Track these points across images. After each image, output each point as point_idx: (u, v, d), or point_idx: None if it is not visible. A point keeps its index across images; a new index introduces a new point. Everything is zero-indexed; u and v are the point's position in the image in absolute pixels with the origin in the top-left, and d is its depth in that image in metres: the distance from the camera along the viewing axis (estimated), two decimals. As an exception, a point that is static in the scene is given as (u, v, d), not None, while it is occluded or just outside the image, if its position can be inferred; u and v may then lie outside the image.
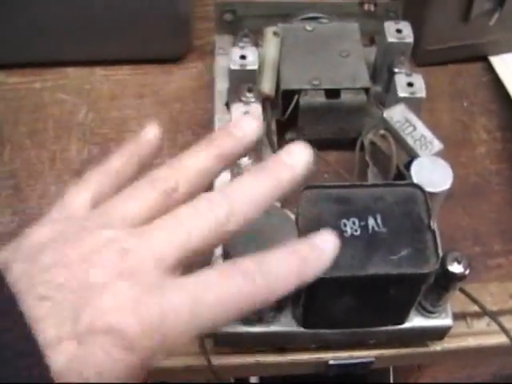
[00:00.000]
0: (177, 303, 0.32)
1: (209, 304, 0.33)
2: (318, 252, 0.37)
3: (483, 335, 0.60)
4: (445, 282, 0.51)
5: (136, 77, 0.73)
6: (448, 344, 0.59)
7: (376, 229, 0.47)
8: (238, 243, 0.46)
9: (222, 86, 0.65)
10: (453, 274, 0.50)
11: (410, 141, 0.55)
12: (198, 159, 0.40)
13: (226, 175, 0.58)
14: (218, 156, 0.39)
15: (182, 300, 0.33)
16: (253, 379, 1.09)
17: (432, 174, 0.52)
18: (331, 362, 0.58)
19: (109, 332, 0.31)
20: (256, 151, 0.58)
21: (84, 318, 0.31)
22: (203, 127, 0.68)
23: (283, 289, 0.36)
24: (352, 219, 0.47)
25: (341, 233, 0.47)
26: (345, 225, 0.47)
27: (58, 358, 0.30)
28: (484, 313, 0.57)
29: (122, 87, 0.72)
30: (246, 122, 0.41)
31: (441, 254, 0.53)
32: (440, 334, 0.56)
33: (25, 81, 0.72)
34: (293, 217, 0.49)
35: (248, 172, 0.39)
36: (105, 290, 0.32)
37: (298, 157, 0.40)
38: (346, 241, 0.46)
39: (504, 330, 0.55)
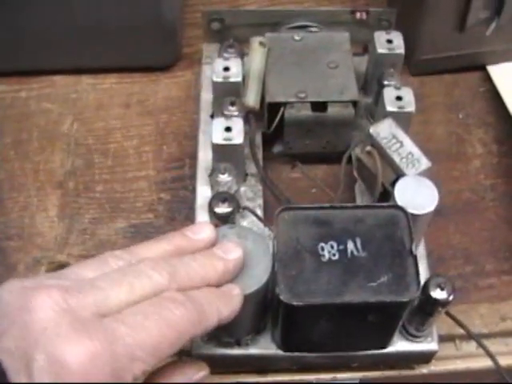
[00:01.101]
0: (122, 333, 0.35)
1: (150, 333, 0.36)
2: (228, 298, 0.42)
3: (472, 358, 0.58)
4: (428, 307, 0.49)
5: (123, 85, 0.71)
6: (435, 367, 0.57)
7: (355, 253, 0.45)
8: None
9: (207, 96, 0.64)
10: (435, 300, 0.48)
11: (396, 158, 0.53)
12: (150, 251, 0.43)
13: (207, 190, 0.57)
14: (169, 251, 0.43)
15: (127, 330, 0.36)
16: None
17: (416, 194, 0.50)
18: (314, 384, 0.57)
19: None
20: (238, 166, 0.56)
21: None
22: (189, 139, 0.67)
23: (211, 320, 0.41)
24: (330, 243, 0.46)
25: (318, 257, 0.45)
26: (322, 249, 0.45)
27: None
28: (470, 337, 0.55)
29: (109, 96, 0.70)
30: (201, 228, 0.45)
31: (426, 276, 0.52)
32: (426, 358, 0.54)
33: (10, 89, 0.71)
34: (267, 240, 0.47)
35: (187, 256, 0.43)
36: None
37: (230, 254, 0.44)
38: (323, 266, 0.45)
39: (490, 355, 0.53)
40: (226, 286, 0.43)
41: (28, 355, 0.34)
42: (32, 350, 0.34)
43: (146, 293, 0.38)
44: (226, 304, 0.42)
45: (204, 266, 0.42)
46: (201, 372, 0.45)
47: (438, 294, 0.48)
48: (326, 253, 0.45)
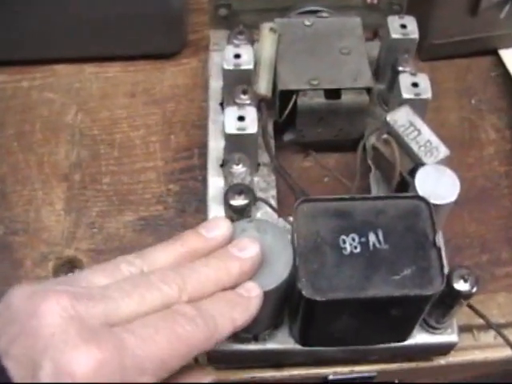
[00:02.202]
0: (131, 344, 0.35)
1: (160, 346, 0.36)
2: (245, 301, 0.41)
3: (490, 348, 0.57)
4: (450, 299, 0.48)
5: (128, 74, 0.69)
6: (453, 358, 0.56)
7: (377, 245, 0.44)
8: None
9: (216, 84, 0.62)
10: (459, 292, 0.47)
11: (414, 146, 0.52)
12: (163, 255, 0.41)
13: (218, 181, 0.56)
14: (183, 253, 0.42)
15: (137, 341, 0.35)
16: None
17: (437, 184, 0.49)
18: (331, 378, 0.56)
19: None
20: (251, 156, 0.55)
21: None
22: (198, 128, 0.65)
23: (224, 332, 0.40)
24: (351, 235, 0.44)
25: (339, 250, 0.44)
26: (344, 241, 0.44)
27: None
28: (489, 327, 0.54)
29: (113, 86, 0.69)
30: (216, 224, 0.43)
31: (446, 269, 0.51)
32: (445, 350, 0.54)
33: (12, 79, 0.69)
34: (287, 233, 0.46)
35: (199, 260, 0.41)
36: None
37: (247, 252, 0.42)
38: (344, 259, 0.43)
39: (509, 345, 0.52)
40: (245, 286, 0.42)
41: (35, 362, 0.33)
42: (39, 357, 0.33)
43: (156, 305, 0.37)
44: (242, 311, 0.41)
45: (217, 271, 0.41)
46: (208, 377, 0.43)
47: (461, 285, 0.47)
48: (347, 246, 0.44)
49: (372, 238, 0.44)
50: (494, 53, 0.70)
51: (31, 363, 0.33)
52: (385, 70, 0.61)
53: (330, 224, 0.45)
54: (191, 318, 0.37)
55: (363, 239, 0.44)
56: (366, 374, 0.56)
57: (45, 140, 0.65)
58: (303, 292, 0.42)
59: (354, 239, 0.44)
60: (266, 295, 0.42)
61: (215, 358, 0.52)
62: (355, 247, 0.44)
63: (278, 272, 0.43)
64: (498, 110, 0.68)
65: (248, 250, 0.42)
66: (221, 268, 0.41)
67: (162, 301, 0.38)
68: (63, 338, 0.33)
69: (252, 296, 0.41)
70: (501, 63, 0.69)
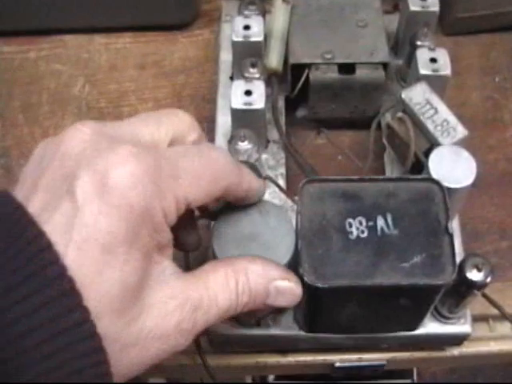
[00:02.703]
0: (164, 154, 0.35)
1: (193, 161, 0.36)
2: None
3: (506, 339, 0.54)
4: (463, 289, 0.45)
5: (138, 45, 0.67)
6: (467, 348, 0.53)
7: (386, 230, 0.42)
8: (232, 245, 0.42)
9: (227, 57, 0.59)
10: (472, 282, 0.44)
11: (430, 126, 0.49)
12: None
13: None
14: None
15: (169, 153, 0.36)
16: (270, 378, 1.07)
17: (453, 166, 0.46)
18: (338, 365, 0.53)
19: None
20: (259, 132, 0.53)
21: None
22: (208, 102, 0.63)
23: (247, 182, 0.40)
24: (359, 218, 0.42)
25: (345, 234, 0.41)
26: (350, 225, 0.42)
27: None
28: (505, 317, 0.51)
29: (122, 57, 0.66)
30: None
31: (461, 253, 0.49)
32: (458, 340, 0.51)
33: (19, 50, 0.67)
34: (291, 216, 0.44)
35: None
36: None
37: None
38: (350, 244, 0.41)
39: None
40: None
41: (69, 178, 0.31)
42: (73, 170, 0.32)
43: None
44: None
45: None
46: None
47: (474, 275, 0.44)
48: (353, 229, 0.41)
49: (380, 222, 0.42)
50: (521, 28, 0.67)
51: (65, 181, 0.31)
52: (403, 45, 0.58)
53: (336, 206, 0.42)
54: (219, 151, 0.38)
55: (371, 223, 0.42)
56: (376, 363, 0.54)
57: (51, 112, 0.64)
58: (305, 278, 0.40)
59: (361, 223, 0.42)
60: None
61: (218, 343, 0.51)
62: (362, 231, 0.41)
63: (280, 255, 0.41)
64: (524, 89, 0.64)
65: None
66: None
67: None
68: (96, 148, 0.32)
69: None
70: (527, 39, 0.66)
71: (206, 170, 0.36)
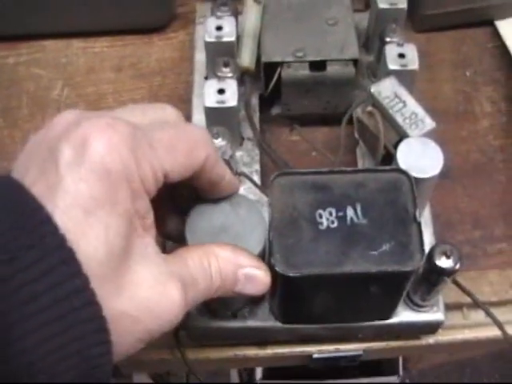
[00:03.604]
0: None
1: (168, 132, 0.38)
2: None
3: (480, 327, 0.55)
4: (433, 276, 0.46)
5: (115, 49, 0.68)
6: (442, 337, 0.54)
7: (355, 220, 0.43)
8: (204, 236, 0.43)
9: (201, 57, 0.60)
10: (441, 268, 0.45)
11: (398, 119, 0.50)
12: None
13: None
14: None
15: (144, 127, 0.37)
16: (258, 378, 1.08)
17: (421, 157, 0.47)
18: (315, 356, 0.54)
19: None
20: (233, 129, 0.54)
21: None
22: (184, 102, 0.63)
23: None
24: (329, 209, 0.43)
25: (315, 225, 0.42)
26: (320, 216, 0.43)
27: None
28: (476, 304, 0.52)
29: (100, 60, 0.67)
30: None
31: (432, 243, 0.50)
32: (432, 328, 0.52)
33: (-2, 55, 0.68)
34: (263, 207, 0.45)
35: None
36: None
37: None
38: (321, 234, 0.42)
39: (498, 324, 0.50)
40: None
41: (53, 150, 0.33)
42: (57, 143, 0.33)
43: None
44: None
45: None
46: None
47: (443, 262, 0.45)
48: (324, 220, 0.42)
49: (350, 212, 0.43)
50: (490, 24, 0.68)
51: (49, 156, 0.33)
52: (373, 42, 0.59)
53: (306, 198, 0.43)
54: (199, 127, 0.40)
55: (340, 213, 0.43)
56: (352, 353, 0.55)
57: (31, 115, 0.65)
58: (276, 268, 0.41)
59: (331, 213, 0.43)
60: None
61: (195, 336, 0.52)
62: (332, 222, 0.42)
63: (252, 246, 0.42)
64: (494, 82, 0.66)
65: None
66: None
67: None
68: (76, 122, 0.34)
69: None
70: (497, 34, 0.67)
71: (181, 139, 0.37)
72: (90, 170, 0.32)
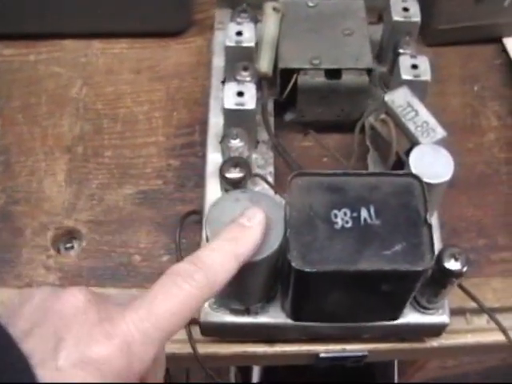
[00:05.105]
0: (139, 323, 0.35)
1: (164, 316, 0.36)
2: (247, 231, 0.41)
3: (483, 332, 0.57)
4: (441, 278, 0.48)
5: (134, 51, 0.70)
6: (445, 340, 0.56)
7: (369, 221, 0.44)
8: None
9: (219, 62, 0.63)
10: (449, 271, 0.47)
11: (411, 127, 0.52)
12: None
13: (217, 157, 0.56)
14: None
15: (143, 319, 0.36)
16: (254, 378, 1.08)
17: (432, 163, 0.49)
18: (322, 355, 0.56)
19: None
20: (250, 132, 0.55)
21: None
22: (200, 105, 0.65)
23: (224, 275, 0.39)
24: (343, 210, 0.45)
25: (331, 224, 0.44)
26: (335, 216, 0.44)
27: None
28: (482, 310, 0.54)
29: (119, 61, 0.69)
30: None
31: (440, 247, 0.51)
32: (436, 330, 0.54)
33: (19, 53, 0.70)
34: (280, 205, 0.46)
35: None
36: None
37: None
38: (336, 233, 0.44)
39: (502, 329, 0.52)
40: (246, 213, 0.42)
41: (57, 337, 0.34)
42: (62, 332, 0.35)
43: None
44: (246, 243, 0.41)
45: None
46: None
47: (452, 264, 0.47)
48: (339, 220, 0.44)
49: (364, 213, 0.45)
50: (498, 40, 0.70)
51: (51, 337, 0.34)
52: (387, 53, 0.61)
53: (322, 198, 0.45)
54: (190, 275, 0.37)
55: (355, 214, 0.44)
56: (358, 353, 0.56)
57: (49, 113, 0.66)
58: (293, 263, 0.42)
59: (345, 214, 0.44)
60: (257, 265, 0.43)
61: (207, 330, 0.53)
62: (347, 222, 0.44)
63: (270, 242, 0.44)
64: (501, 98, 0.68)
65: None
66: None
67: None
68: (84, 318, 0.35)
69: (255, 223, 0.41)
70: (504, 51, 0.69)
71: (176, 316, 0.37)
72: (86, 372, 0.33)
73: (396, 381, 1.13)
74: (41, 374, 0.32)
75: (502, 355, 0.56)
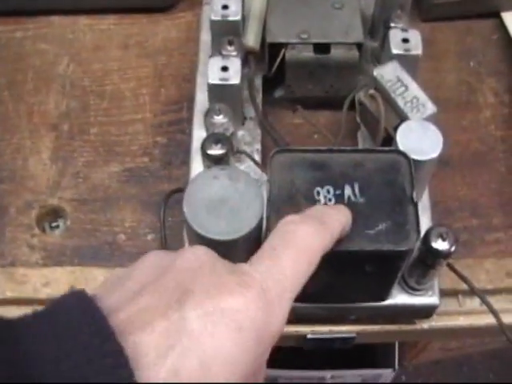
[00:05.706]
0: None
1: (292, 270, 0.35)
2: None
3: (475, 314, 0.56)
4: (429, 259, 0.47)
5: (121, 27, 0.69)
6: (436, 322, 0.55)
7: (352, 199, 0.43)
8: (202, 208, 0.43)
9: (207, 37, 0.61)
10: (437, 251, 0.46)
11: (400, 102, 0.50)
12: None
13: (203, 133, 0.55)
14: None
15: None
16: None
17: (420, 140, 0.48)
18: (309, 337, 0.55)
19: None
20: (236, 108, 0.54)
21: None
22: (188, 82, 0.64)
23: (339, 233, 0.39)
24: (327, 187, 0.43)
25: (313, 202, 0.43)
26: (318, 193, 0.43)
27: None
28: (474, 292, 0.52)
29: (107, 38, 0.68)
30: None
31: (429, 226, 0.50)
32: (426, 312, 0.52)
33: (6, 29, 0.69)
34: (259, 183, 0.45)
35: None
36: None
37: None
38: (318, 211, 0.42)
39: (493, 312, 0.50)
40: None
41: (182, 290, 0.31)
42: (187, 284, 0.31)
43: None
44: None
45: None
46: None
47: (439, 244, 0.46)
48: (321, 197, 0.43)
49: (348, 190, 0.43)
50: (496, 15, 0.68)
51: (174, 290, 0.31)
52: (378, 27, 0.60)
53: (305, 175, 0.44)
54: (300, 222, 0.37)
55: (338, 191, 0.43)
56: (345, 335, 0.55)
57: (36, 90, 0.65)
58: (272, 242, 0.41)
59: (328, 191, 0.43)
60: (237, 242, 0.42)
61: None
62: (330, 199, 0.43)
63: (249, 220, 0.42)
64: (498, 74, 0.66)
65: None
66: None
67: None
68: (213, 270, 0.33)
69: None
70: (502, 26, 0.67)
71: (300, 265, 0.36)
72: (219, 326, 0.30)
73: (397, 363, 1.13)
74: (162, 325, 0.29)
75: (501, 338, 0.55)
